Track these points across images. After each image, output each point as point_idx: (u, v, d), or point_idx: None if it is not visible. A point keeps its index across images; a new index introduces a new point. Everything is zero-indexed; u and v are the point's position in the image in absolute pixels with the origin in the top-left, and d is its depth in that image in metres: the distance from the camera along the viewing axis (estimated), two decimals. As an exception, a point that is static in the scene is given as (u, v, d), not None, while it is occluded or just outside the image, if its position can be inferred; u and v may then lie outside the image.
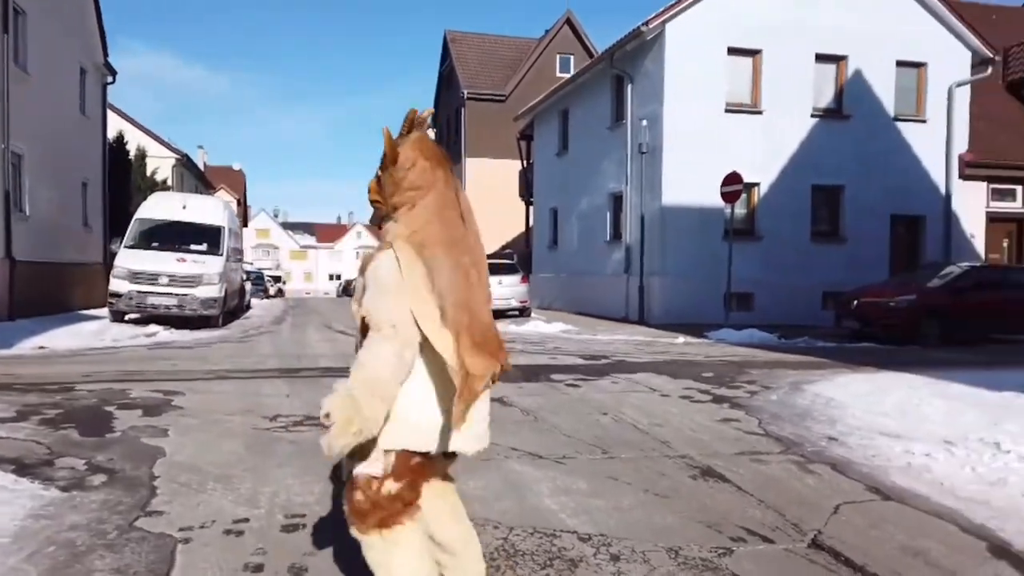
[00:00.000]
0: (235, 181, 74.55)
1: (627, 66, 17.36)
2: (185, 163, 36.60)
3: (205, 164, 61.40)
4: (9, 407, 6.02)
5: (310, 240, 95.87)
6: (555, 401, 6.77)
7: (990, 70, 18.23)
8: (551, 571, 2.96)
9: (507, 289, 18.23)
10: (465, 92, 32.43)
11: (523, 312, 18.52)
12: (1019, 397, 7.11)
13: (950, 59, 17.60)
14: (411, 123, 2.22)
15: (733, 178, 14.28)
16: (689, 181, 15.65)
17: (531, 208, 26.10)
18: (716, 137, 15.82)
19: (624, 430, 5.63)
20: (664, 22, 15.87)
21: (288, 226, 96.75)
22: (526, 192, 26.53)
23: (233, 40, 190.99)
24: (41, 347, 10.53)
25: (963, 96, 17.77)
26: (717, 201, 14.83)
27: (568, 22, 33.71)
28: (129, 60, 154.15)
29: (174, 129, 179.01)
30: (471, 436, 2.10)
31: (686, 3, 15.83)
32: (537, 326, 15.68)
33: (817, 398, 7.05)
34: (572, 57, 33.24)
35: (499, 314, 18.26)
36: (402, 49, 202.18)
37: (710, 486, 4.24)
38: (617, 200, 18.25)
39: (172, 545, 3.16)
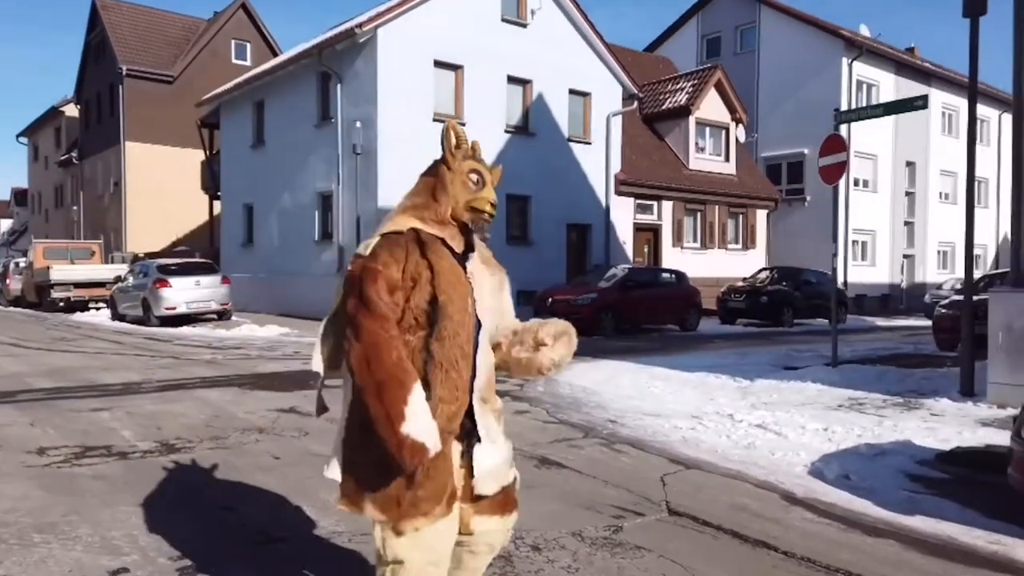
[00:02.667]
0: None
1: (336, 65, 17.26)
2: None
3: None
4: None
5: None
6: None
7: (635, 104, 21.99)
8: (494, 569, 3.18)
9: (206, 291, 16.88)
10: (124, 68, 28.73)
11: (223, 315, 17.30)
12: (708, 376, 9.04)
13: (608, 92, 20.82)
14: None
15: (446, 185, 15.15)
16: (404, 183, 15.76)
17: (217, 202, 24.25)
18: (427, 144, 16.45)
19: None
20: (377, 26, 16.16)
21: None
22: (211, 184, 24.55)
23: None
24: None
25: (617, 124, 21.15)
26: (429, 205, 15.57)
27: (244, 8, 31.83)
28: None
29: None
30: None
31: (397, 10, 16.33)
32: (250, 330, 14.87)
33: (574, 388, 8.14)
34: (249, 45, 31.54)
35: (198, 318, 16.82)
36: (30, 8, 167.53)
37: (557, 473, 4.83)
38: (326, 199, 18.03)
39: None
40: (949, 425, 6.19)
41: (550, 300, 15.80)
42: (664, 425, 6.29)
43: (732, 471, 4.96)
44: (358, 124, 16.39)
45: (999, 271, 12.22)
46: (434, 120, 16.88)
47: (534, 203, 19.03)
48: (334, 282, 16.90)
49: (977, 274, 30.69)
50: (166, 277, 16.74)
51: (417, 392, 1.83)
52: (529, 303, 16.58)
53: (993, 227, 32.36)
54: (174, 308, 16.53)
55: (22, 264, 26.59)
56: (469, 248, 2.10)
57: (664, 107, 23.90)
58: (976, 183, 30.82)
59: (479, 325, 2.02)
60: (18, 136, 41.50)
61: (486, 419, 2.08)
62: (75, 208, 34.59)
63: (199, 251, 24.94)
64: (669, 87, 24.49)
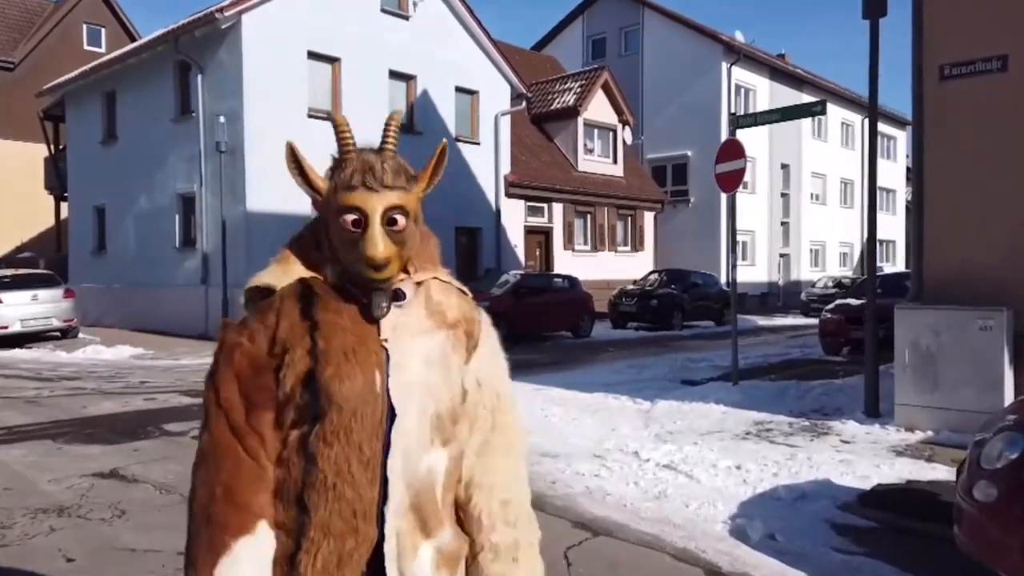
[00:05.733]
0: None
1: (195, 54, 15.58)
2: None
3: None
4: None
5: None
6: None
7: (524, 104, 21.41)
8: None
9: (46, 306, 14.83)
10: (-48, 50, 25.34)
11: (67, 333, 15.29)
12: (607, 397, 8.45)
13: (496, 91, 20.11)
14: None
15: (323, 188, 13.96)
16: (274, 185, 14.73)
17: (64, 204, 21.71)
18: (301, 142, 15.01)
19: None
20: (241, 12, 14.64)
21: None
22: (57, 184, 21.94)
23: None
24: None
25: (505, 124, 20.48)
26: (304, 208, 14.31)
27: (97, -13, 28.88)
28: None
29: None
30: None
31: (264, -5, 14.89)
32: (96, 351, 13.11)
33: (463, 421, 7.29)
34: (104, 30, 28.63)
35: (36, 337, 14.77)
36: None
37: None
38: (188, 202, 16.29)
39: None
40: (863, 456, 5.81)
41: (438, 310, 14.89)
42: (565, 471, 5.56)
43: (647, 536, 4.27)
44: (222, 119, 14.82)
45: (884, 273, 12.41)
46: (309, 116, 15.58)
47: (422, 205, 17.99)
48: (197, 293, 15.36)
49: (845, 271, 32.51)
50: (-4, 292, 14.56)
51: (244, 545, 1.26)
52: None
53: (858, 226, 34.15)
54: (6, 327, 14.40)
55: None
56: (396, 295, 1.41)
57: (553, 107, 23.49)
58: (842, 184, 32.10)
59: (393, 414, 1.34)
60: None
61: (411, 567, 1.34)
62: None
63: (45, 258, 22.28)
64: (557, 87, 24.11)
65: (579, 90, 23.27)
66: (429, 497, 1.36)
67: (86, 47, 27.47)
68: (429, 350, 1.39)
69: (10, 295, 14.59)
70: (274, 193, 14.83)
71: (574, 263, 21.50)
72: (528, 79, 22.41)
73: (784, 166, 30.09)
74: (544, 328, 16.44)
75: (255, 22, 14.84)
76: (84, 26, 28.17)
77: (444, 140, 1.56)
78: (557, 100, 23.60)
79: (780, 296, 29.65)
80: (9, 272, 16.33)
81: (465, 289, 1.56)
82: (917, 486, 4.94)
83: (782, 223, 30.33)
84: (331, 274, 1.41)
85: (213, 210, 15.43)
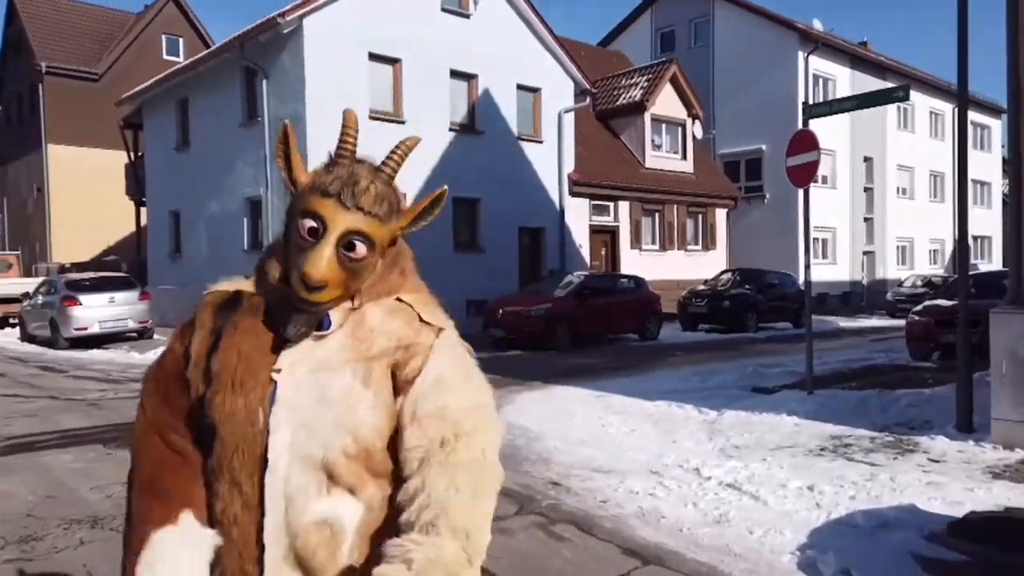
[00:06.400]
0: None
1: (260, 59, 15.80)
2: None
3: None
4: None
5: None
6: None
7: (588, 100, 20.93)
8: None
9: (122, 308, 15.35)
10: (43, 65, 26.72)
11: (143, 334, 15.77)
12: (670, 406, 7.98)
13: (559, 87, 19.72)
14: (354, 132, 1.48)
15: (384, 189, 13.92)
16: (337, 189, 14.86)
17: (143, 209, 22.52)
18: (363, 145, 15.22)
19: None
20: (302, 16, 14.77)
21: None
22: (136, 190, 22.79)
23: None
24: None
25: (569, 122, 20.06)
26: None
27: (174, 0, 29.98)
28: None
29: None
30: None
31: (324, -1, 14.96)
32: (165, 353, 13.36)
33: (513, 429, 6.96)
34: (181, 40, 29.69)
35: (114, 338, 15.26)
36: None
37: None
38: (255, 205, 16.57)
39: None
40: (954, 477, 5.19)
41: (500, 312, 14.64)
42: (618, 488, 5.16)
43: (703, 567, 3.85)
44: (285, 123, 14.95)
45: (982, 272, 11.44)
46: (371, 118, 15.58)
47: (483, 206, 17.84)
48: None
49: (936, 270, 30.66)
50: (75, 294, 15.15)
51: (157, 541, 1.23)
52: (479, 314, 15.42)
53: (949, 222, 32.12)
54: (85, 328, 14.96)
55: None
56: (320, 324, 1.29)
57: (618, 103, 22.91)
58: (932, 177, 30.36)
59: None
60: (-64, 139, 38.73)
61: None
62: (-1, 216, 32.29)
63: (127, 261, 23.20)
64: (623, 82, 23.51)
65: (646, 84, 22.61)
66: (326, 552, 1.23)
67: (165, 57, 28.52)
68: (327, 387, 1.24)
69: (89, 297, 15.13)
70: (336, 195, 14.89)
71: (642, 263, 20.88)
72: (593, 75, 21.92)
73: (867, 159, 28.58)
74: (609, 330, 15.96)
75: (316, 26, 14.93)
76: (163, 37, 29.28)
77: (445, 187, 1.38)
78: (623, 95, 23.01)
79: (864, 296, 28.18)
80: (88, 275, 17.02)
81: (431, 313, 1.35)
82: (1017, 514, 4.36)
83: (865, 219, 28.82)
84: (262, 287, 1.34)
85: (278, 213, 15.58)
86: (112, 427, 7.20)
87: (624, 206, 21.56)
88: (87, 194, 26.60)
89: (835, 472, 5.37)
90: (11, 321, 19.63)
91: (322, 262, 1.22)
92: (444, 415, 1.22)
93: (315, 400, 1.23)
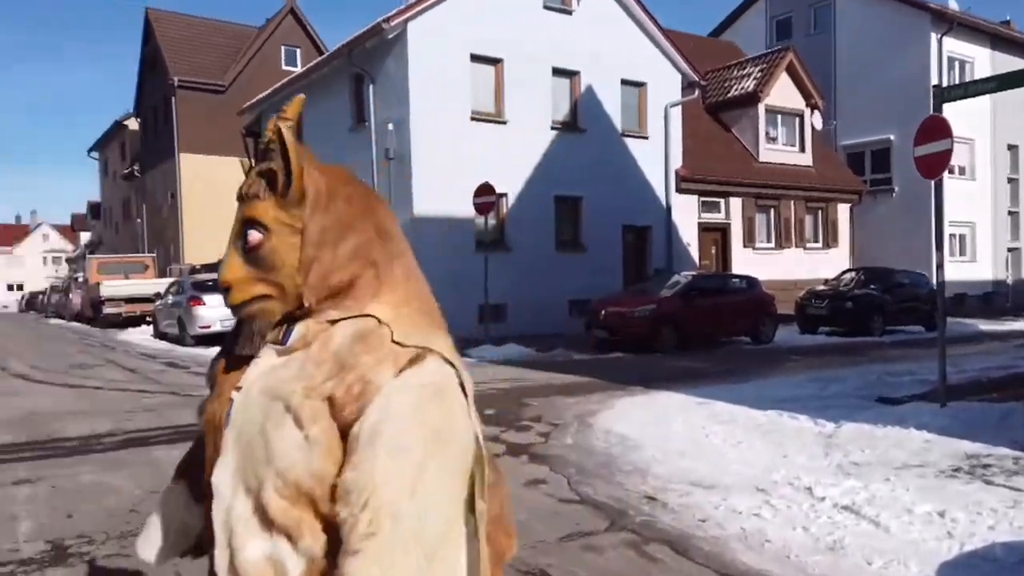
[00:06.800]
0: None
1: (367, 64, 16.20)
2: None
3: None
4: None
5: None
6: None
7: (697, 93, 20.18)
8: None
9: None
10: (175, 79, 28.67)
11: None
12: (782, 416, 7.42)
13: (665, 81, 19.11)
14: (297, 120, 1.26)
15: (485, 189, 13.93)
16: (440, 190, 15.02)
17: (261, 213, 23.64)
18: (464, 145, 15.39)
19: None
20: (406, 20, 15.00)
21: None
22: (255, 195, 23.97)
23: None
24: None
25: (676, 116, 19.41)
26: (468, 211, 14.39)
27: (292, 12, 31.42)
28: None
29: None
30: None
31: (428, 2, 15.11)
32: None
33: (611, 437, 6.68)
34: (299, 50, 31.07)
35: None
36: (97, 24, 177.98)
37: (557, 605, 3.42)
38: (362, 208, 17.00)
39: None
40: (1120, 509, 4.47)
41: (603, 312, 14.29)
42: (720, 506, 4.78)
43: (812, 601, 3.45)
44: (390, 127, 15.27)
45: None
46: (472, 119, 15.65)
47: (586, 204, 17.54)
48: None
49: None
50: (200, 294, 16.07)
51: (163, 491, 1.59)
52: (581, 315, 15.15)
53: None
54: (209, 327, 15.82)
55: (80, 279, 26.91)
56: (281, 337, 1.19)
57: (730, 95, 21.99)
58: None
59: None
60: (89, 151, 42.47)
61: None
62: (139, 221, 34.96)
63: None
64: (735, 73, 22.55)
65: (759, 75, 21.58)
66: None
67: (284, 67, 29.92)
68: (268, 416, 1.10)
69: (212, 297, 15.96)
70: (439, 197, 15.04)
71: (755, 262, 19.94)
72: (703, 67, 21.13)
73: (1011, 147, 26.11)
74: (718, 332, 15.28)
75: (420, 29, 15.11)
76: (282, 48, 30.74)
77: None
78: (735, 87, 22.06)
79: (1009, 296, 25.75)
80: (212, 276, 18.01)
81: (412, 335, 1.13)
82: None
83: (1010, 212, 26.35)
84: None
85: (383, 215, 15.92)
86: (219, 423, 7.44)
87: (736, 202, 20.66)
88: (215, 199, 28.25)
89: (971, 497, 4.75)
90: (147, 319, 21.11)
91: (224, 263, 1.17)
92: (355, 489, 1.02)
93: (257, 428, 1.10)
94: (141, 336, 18.60)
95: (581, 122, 17.56)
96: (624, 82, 18.40)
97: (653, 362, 12.33)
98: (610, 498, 4.98)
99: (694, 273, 16.48)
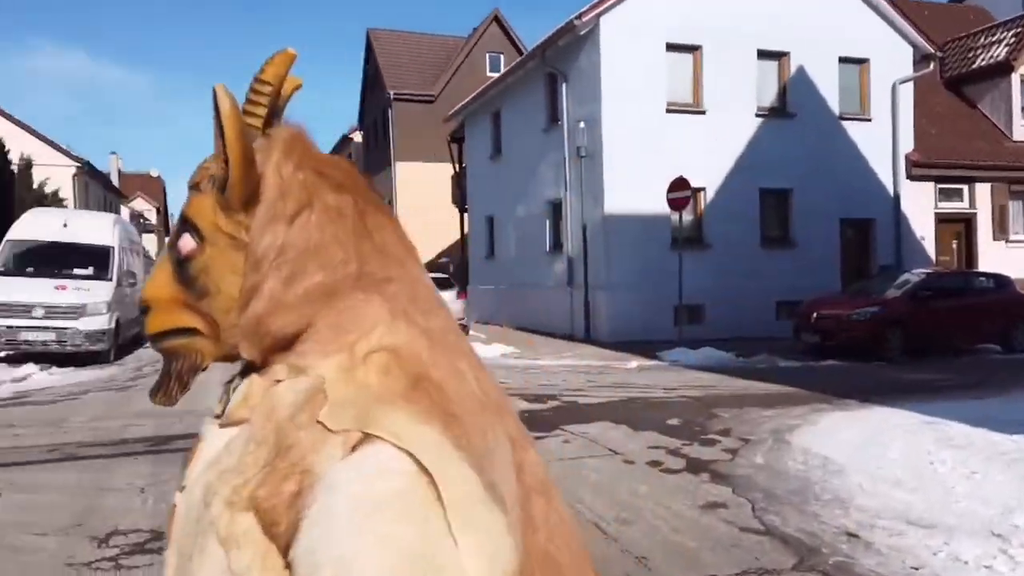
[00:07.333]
0: (154, 189, 70.50)
1: (560, 63, 16.11)
2: (89, 172, 33.75)
3: (120, 172, 57.75)
4: None
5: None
6: (494, 481, 5.36)
7: (932, 66, 17.74)
8: None
9: (442, 306, 16.78)
10: (391, 93, 30.75)
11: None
12: (1037, 444, 6.09)
13: (892, 56, 16.98)
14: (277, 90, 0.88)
15: (680, 183, 13.22)
16: (632, 186, 14.52)
17: (465, 215, 24.66)
18: (659, 139, 14.75)
19: (583, 536, 4.27)
20: (598, 15, 14.66)
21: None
22: (460, 198, 25.06)
23: (151, 37, 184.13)
24: None
25: (907, 94, 17.19)
26: (662, 208, 13.75)
27: (496, 20, 32.39)
28: (35, 59, 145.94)
29: (88, 133, 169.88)
30: None
31: (621, -5, 14.67)
32: (476, 349, 14.22)
33: (810, 458, 5.87)
34: (502, 56, 31.92)
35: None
36: (324, 47, 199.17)
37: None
38: (556, 207, 16.98)
39: None
40: None
41: (815, 315, 12.95)
42: (940, 551, 3.92)
43: None
44: (582, 125, 15.03)
45: None
46: (668, 111, 14.97)
47: (796, 197, 16.08)
48: (564, 295, 15.81)
49: None
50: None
51: None
52: (790, 317, 13.90)
53: None
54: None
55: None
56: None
57: (975, 66, 19.13)
58: None
59: None
60: (321, 165, 47.21)
61: None
62: (362, 226, 38.04)
63: (454, 264, 25.60)
64: (982, 40, 19.55)
65: (1013, 40, 18.50)
66: None
67: (488, 73, 30.91)
68: (199, 536, 0.76)
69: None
70: (631, 194, 14.57)
71: (1008, 258, 17.11)
72: (939, 37, 18.55)
73: None
74: (959, 339, 13.24)
75: (612, 23, 14.71)
76: (487, 55, 31.79)
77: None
78: (981, 56, 19.13)
79: None
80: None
81: (344, 414, 0.72)
82: None
83: None
84: None
85: (576, 214, 15.76)
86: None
87: (983, 189, 17.89)
88: (425, 204, 30.00)
89: None
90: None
91: (151, 272, 0.89)
92: None
93: (185, 532, 0.78)
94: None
95: (791, 107, 16.13)
96: (842, 60, 16.61)
97: (873, 372, 10.93)
98: (801, 531, 4.30)
99: (928, 271, 14.43)
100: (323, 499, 0.67)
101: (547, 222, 17.37)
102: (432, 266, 25.33)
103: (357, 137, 39.54)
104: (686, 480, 5.34)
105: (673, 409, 7.95)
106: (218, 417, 0.83)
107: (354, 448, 0.69)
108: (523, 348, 14.14)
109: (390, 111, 31.02)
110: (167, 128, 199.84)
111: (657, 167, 14.12)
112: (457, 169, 25.47)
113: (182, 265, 0.83)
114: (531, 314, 17.78)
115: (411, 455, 0.68)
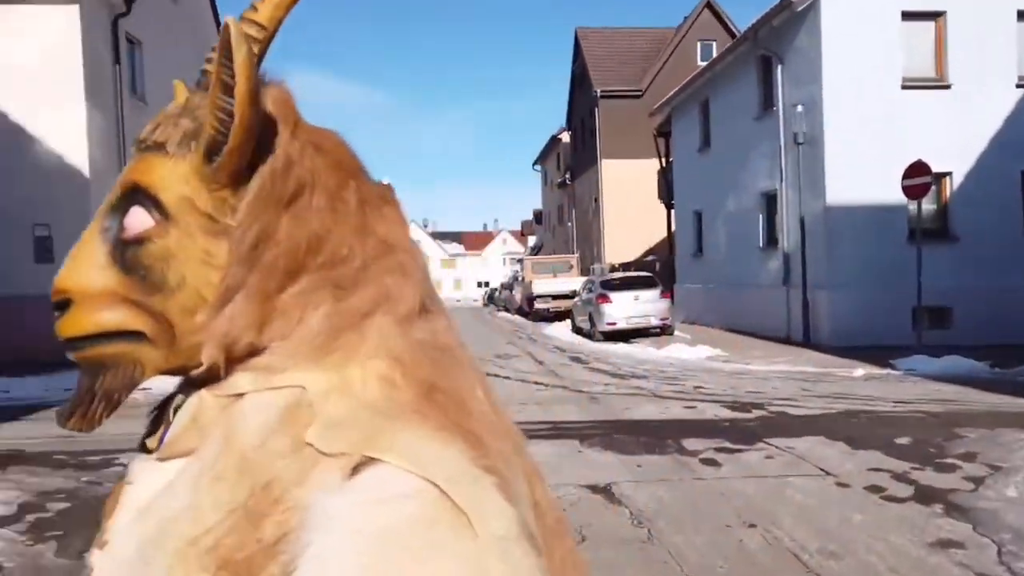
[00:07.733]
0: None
1: (775, 45, 14.92)
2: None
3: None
4: None
5: (458, 248, 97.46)
6: (683, 496, 4.98)
7: None
8: None
9: (645, 305, 16.42)
10: (598, 90, 30.69)
11: (664, 330, 16.54)
12: None
13: None
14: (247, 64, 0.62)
15: (918, 168, 11.63)
16: (858, 174, 13.07)
17: (672, 211, 23.90)
18: (891, 120, 13.12)
19: (780, 567, 3.78)
20: (820, -12, 13.36)
21: (437, 235, 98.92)
22: (666, 194, 24.35)
23: (371, 52, 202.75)
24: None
25: None
26: (895, 197, 12.20)
27: (708, 5, 31.03)
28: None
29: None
30: None
31: (847, -38, 13.24)
32: (679, 350, 13.69)
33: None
34: (714, 43, 30.47)
35: (637, 333, 16.39)
36: (534, 51, 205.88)
37: None
38: (770, 200, 15.80)
39: None
40: None
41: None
42: None
43: None
44: (799, 109, 13.78)
45: None
46: (903, 87, 13.29)
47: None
48: (779, 294, 14.70)
49: None
50: (607, 292, 16.81)
51: None
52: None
53: None
54: (615, 323, 16.42)
55: (520, 278, 30.87)
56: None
57: None
58: None
59: None
60: (533, 164, 48.44)
61: None
62: (569, 224, 38.50)
63: (660, 262, 24.95)
64: None
65: None
66: None
67: (699, 63, 29.72)
68: (136, 555, 0.60)
69: (617, 295, 16.62)
70: (857, 182, 13.16)
71: None
72: None
73: None
74: None
75: (836, -5, 13.33)
76: (698, 43, 30.60)
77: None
78: None
79: None
80: (619, 276, 18.74)
81: (342, 434, 0.58)
82: None
83: None
84: None
85: (793, 207, 14.54)
86: (596, 424, 7.44)
87: None
88: (631, 201, 29.62)
89: None
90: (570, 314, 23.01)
91: (71, 253, 0.66)
92: None
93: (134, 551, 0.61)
94: (561, 330, 20.20)
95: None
96: None
97: None
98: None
99: None
100: (321, 540, 0.52)
101: (760, 216, 16.22)
102: (638, 264, 24.87)
103: (565, 137, 40.05)
104: (914, 511, 4.57)
105: (904, 426, 6.95)
106: (150, 451, 0.66)
107: (355, 471, 0.54)
108: (731, 351, 13.32)
109: (596, 109, 30.98)
110: (385, 138, 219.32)
111: (889, 151, 12.58)
112: (663, 164, 24.76)
113: (126, 247, 0.64)
114: (742, 315, 16.73)
115: (432, 482, 0.53)
